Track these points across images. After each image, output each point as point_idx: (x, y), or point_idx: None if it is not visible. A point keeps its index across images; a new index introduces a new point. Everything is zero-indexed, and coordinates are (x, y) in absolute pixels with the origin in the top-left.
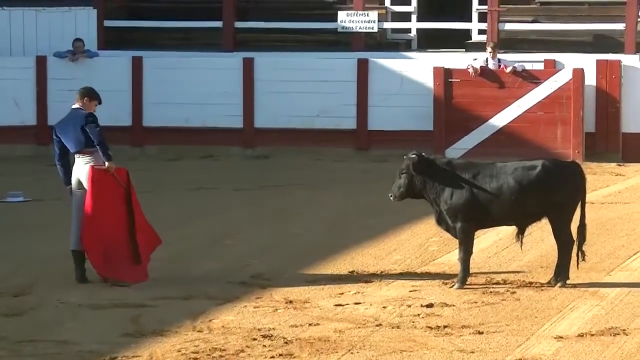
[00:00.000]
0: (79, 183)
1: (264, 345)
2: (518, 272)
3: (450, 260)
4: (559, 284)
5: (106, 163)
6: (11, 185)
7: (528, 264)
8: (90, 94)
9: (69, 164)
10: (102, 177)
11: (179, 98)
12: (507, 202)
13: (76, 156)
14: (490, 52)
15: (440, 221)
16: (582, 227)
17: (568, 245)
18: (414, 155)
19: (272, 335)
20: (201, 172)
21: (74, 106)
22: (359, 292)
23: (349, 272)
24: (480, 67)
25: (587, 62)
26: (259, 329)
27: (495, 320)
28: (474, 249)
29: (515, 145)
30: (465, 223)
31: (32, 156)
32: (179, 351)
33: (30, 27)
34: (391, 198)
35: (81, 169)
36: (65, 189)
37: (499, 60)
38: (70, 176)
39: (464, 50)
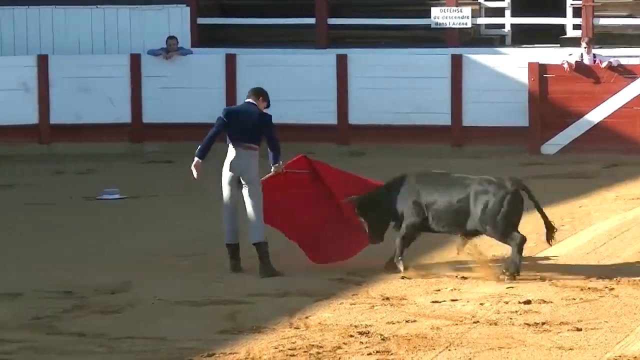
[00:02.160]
0: (240, 177)
1: (361, 342)
2: (616, 268)
3: (549, 256)
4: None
5: (272, 168)
6: (107, 182)
7: (626, 260)
8: (266, 96)
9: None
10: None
11: (273, 95)
12: None
13: (239, 147)
14: (585, 47)
15: None
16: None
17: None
18: None
19: (368, 332)
20: None
21: (248, 100)
22: (455, 289)
23: (446, 268)
24: (575, 62)
25: None
26: (355, 326)
27: (594, 317)
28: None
29: (610, 140)
30: None
31: (127, 154)
32: (275, 348)
33: (124, 25)
34: None
35: (247, 163)
36: (196, 161)
37: (594, 55)
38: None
39: (559, 45)
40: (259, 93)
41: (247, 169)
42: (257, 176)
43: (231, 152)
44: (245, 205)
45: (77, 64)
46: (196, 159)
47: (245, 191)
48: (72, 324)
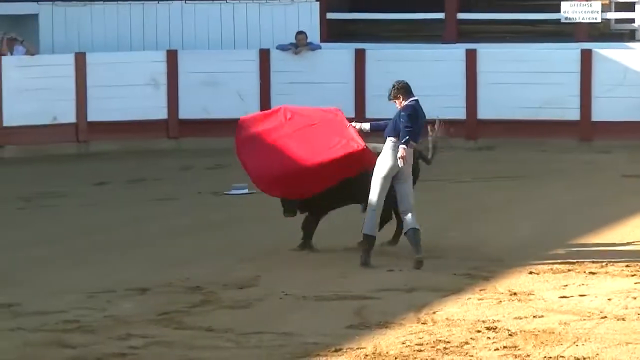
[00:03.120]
0: (402, 170)
1: (488, 337)
2: None
3: None
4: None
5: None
6: (236, 177)
7: None
8: None
9: None
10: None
11: None
12: None
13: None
14: None
15: None
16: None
17: None
18: None
19: (496, 328)
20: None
21: (414, 98)
22: (583, 284)
23: (574, 264)
24: None
25: None
26: (483, 321)
27: None
28: None
29: None
30: None
31: None
32: (403, 343)
33: (253, 20)
34: None
35: (411, 159)
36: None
37: None
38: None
39: None
40: (410, 87)
41: (409, 166)
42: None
43: (394, 148)
44: (400, 199)
45: (206, 59)
46: (404, 147)
47: (402, 185)
48: (200, 319)
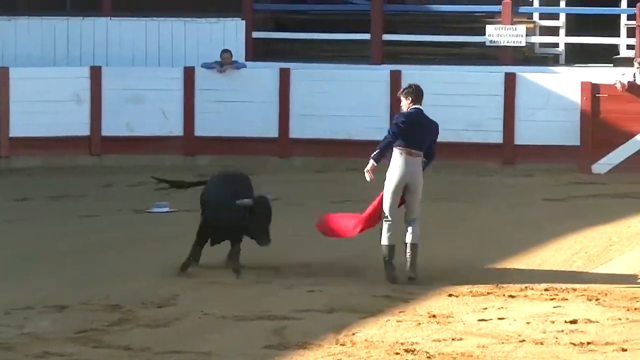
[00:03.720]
0: (412, 181)
1: None
2: None
3: (594, 275)
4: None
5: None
6: (157, 195)
7: None
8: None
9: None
10: None
11: (326, 110)
12: None
13: (411, 155)
14: (638, 67)
15: None
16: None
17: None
18: None
19: (414, 350)
20: (347, 185)
21: (416, 106)
22: (502, 307)
23: (493, 287)
24: (628, 82)
25: None
26: (401, 343)
27: None
28: None
29: None
30: None
31: (179, 167)
32: None
33: (178, 38)
34: None
35: (418, 168)
36: (371, 164)
37: None
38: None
39: (612, 65)
40: (422, 95)
41: (418, 177)
42: (422, 183)
43: (399, 158)
44: (407, 208)
45: (130, 76)
46: (372, 162)
47: (411, 196)
48: (118, 337)
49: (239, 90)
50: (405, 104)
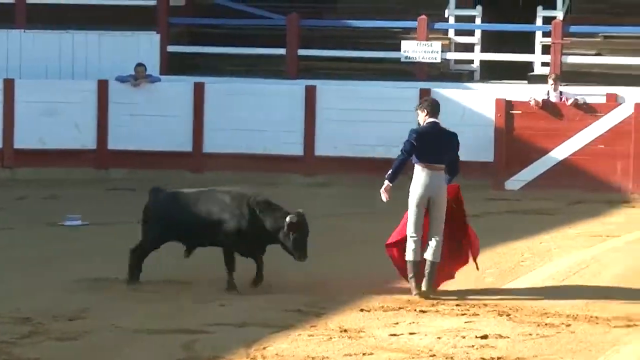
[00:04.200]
0: (434, 196)
1: None
2: (574, 305)
3: (505, 291)
4: None
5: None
6: (70, 208)
7: (584, 297)
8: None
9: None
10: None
11: (241, 124)
12: None
13: (432, 169)
14: (552, 84)
15: None
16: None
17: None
18: None
19: None
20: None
21: (432, 120)
22: (414, 322)
23: (405, 301)
24: (542, 99)
25: None
26: (312, 357)
27: (550, 352)
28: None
29: (574, 178)
30: None
31: (91, 180)
32: None
33: (92, 51)
34: None
35: (441, 183)
36: (386, 184)
37: (561, 92)
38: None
39: (527, 82)
40: (439, 109)
41: (440, 191)
42: (445, 197)
43: (421, 174)
44: (430, 225)
45: (43, 88)
46: (387, 182)
47: (434, 212)
48: (28, 350)
49: (153, 104)
50: (422, 118)
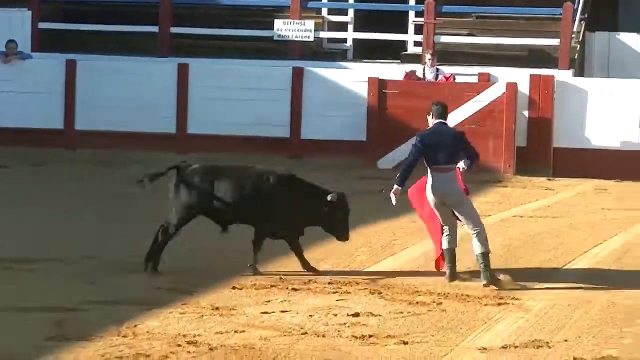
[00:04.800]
0: (448, 197)
1: (189, 352)
2: (444, 283)
3: (378, 270)
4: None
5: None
6: None
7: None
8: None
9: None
10: None
11: (113, 102)
12: None
13: (440, 172)
14: (429, 60)
15: None
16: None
17: None
18: None
19: (197, 342)
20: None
21: (438, 121)
22: (286, 300)
23: (277, 279)
24: (417, 75)
25: (521, 76)
26: (184, 335)
27: (421, 330)
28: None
29: None
30: None
31: None
32: (103, 356)
33: None
34: None
35: (452, 183)
36: (395, 188)
37: (437, 69)
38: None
39: (400, 61)
40: (446, 111)
41: (451, 191)
42: (461, 194)
43: (431, 178)
44: (463, 222)
45: None
46: (396, 186)
47: (456, 210)
48: None
49: (24, 81)
50: (430, 122)
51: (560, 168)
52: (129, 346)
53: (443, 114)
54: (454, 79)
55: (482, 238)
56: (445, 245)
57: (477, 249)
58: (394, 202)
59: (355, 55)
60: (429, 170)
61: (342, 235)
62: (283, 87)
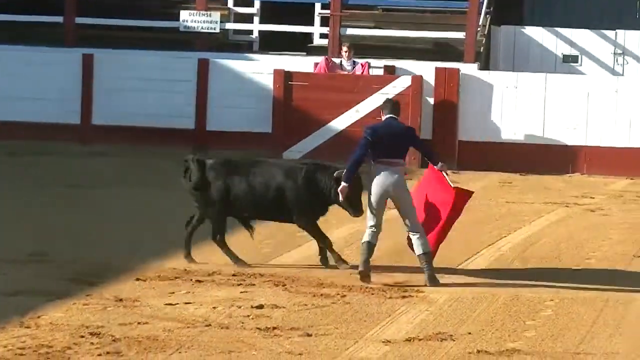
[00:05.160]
0: (392, 192)
1: (92, 343)
2: (348, 275)
3: (281, 262)
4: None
5: (440, 164)
6: None
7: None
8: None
9: None
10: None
11: (16, 92)
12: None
13: (389, 165)
14: (345, 52)
15: None
16: None
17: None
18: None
19: (100, 333)
20: (36, 168)
21: (388, 116)
22: (189, 292)
23: (181, 271)
24: (331, 64)
25: (427, 69)
26: (87, 327)
27: (325, 323)
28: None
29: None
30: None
31: None
32: (4, 347)
33: None
34: None
35: (398, 178)
36: (342, 186)
37: (354, 61)
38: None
39: (305, 53)
40: (398, 106)
41: (397, 185)
42: (407, 191)
43: (376, 171)
44: (403, 220)
45: None
46: (343, 184)
47: (400, 206)
48: None
49: None
50: (382, 117)
51: (465, 161)
52: (32, 337)
53: (394, 109)
54: (369, 66)
55: (424, 238)
56: (367, 238)
57: (419, 248)
58: (340, 199)
59: (261, 46)
60: (373, 164)
61: (357, 211)
62: (188, 79)
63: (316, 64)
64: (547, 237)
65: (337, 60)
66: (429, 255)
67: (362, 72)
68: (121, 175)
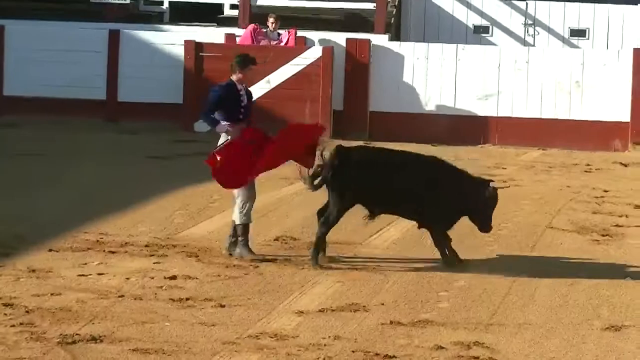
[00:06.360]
0: None
1: (5, 314)
2: (263, 246)
3: (194, 233)
4: None
5: None
6: None
7: (269, 241)
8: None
9: None
10: None
11: None
12: None
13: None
14: (272, 23)
15: None
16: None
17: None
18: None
19: (13, 304)
20: None
21: (233, 76)
22: (102, 263)
23: (94, 242)
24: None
25: (338, 40)
26: (0, 298)
27: (238, 294)
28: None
29: (263, 120)
30: None
31: None
32: None
33: None
34: None
35: None
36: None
37: (279, 33)
38: None
39: (216, 24)
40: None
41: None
42: None
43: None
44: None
45: None
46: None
47: None
48: None
49: None
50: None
51: (376, 131)
52: None
53: (240, 66)
54: (296, 33)
55: (238, 209)
56: (244, 220)
57: (237, 219)
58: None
59: (171, 18)
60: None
61: (487, 227)
62: (99, 49)
63: (227, 35)
64: None
65: (264, 30)
66: (247, 227)
67: (288, 40)
68: (32, 146)
